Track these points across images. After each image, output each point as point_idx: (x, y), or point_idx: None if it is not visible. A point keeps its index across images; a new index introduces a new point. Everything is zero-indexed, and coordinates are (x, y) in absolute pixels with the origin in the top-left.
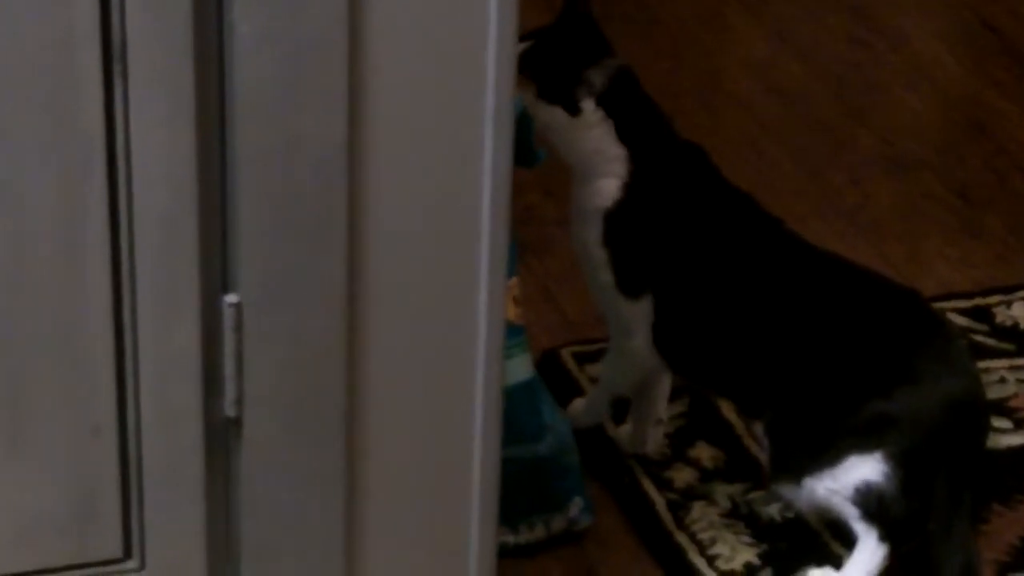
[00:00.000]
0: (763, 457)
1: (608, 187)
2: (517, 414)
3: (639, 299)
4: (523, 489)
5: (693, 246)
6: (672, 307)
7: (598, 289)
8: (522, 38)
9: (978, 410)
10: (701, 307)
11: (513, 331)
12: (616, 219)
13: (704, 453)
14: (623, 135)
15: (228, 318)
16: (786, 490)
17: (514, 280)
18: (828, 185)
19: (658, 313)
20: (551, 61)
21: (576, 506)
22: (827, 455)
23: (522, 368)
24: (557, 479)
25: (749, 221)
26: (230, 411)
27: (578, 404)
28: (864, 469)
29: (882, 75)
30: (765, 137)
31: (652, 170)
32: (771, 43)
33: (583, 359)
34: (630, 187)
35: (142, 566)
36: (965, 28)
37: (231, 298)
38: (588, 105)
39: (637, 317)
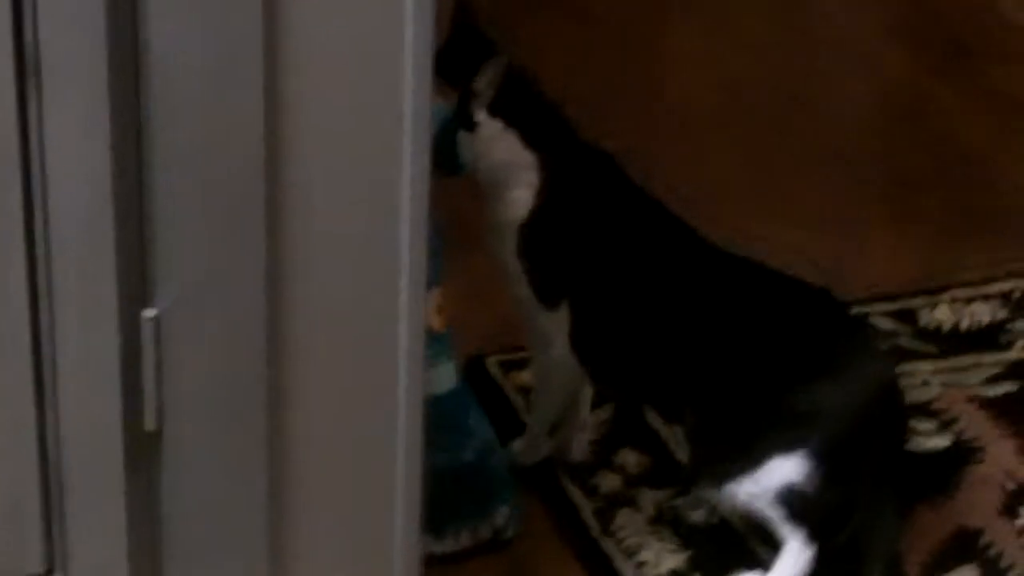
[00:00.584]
0: (684, 462)
1: (521, 197)
2: (443, 422)
3: (556, 308)
4: (449, 497)
5: (607, 253)
6: (589, 314)
7: (516, 301)
8: None
9: (896, 401)
10: (617, 313)
11: (438, 340)
12: (531, 230)
13: (629, 459)
14: (530, 141)
15: (147, 331)
16: (709, 494)
17: (438, 290)
18: (768, 175)
19: (575, 321)
20: (441, 79)
21: (502, 514)
22: (748, 458)
23: (448, 377)
24: (483, 487)
25: (661, 226)
26: (150, 423)
27: (519, 443)
28: (786, 470)
29: (821, 65)
30: (705, 129)
31: (564, 176)
32: (709, 35)
33: (509, 367)
34: (544, 195)
35: None
36: (903, 17)
37: (149, 312)
38: (481, 116)
39: (555, 327)
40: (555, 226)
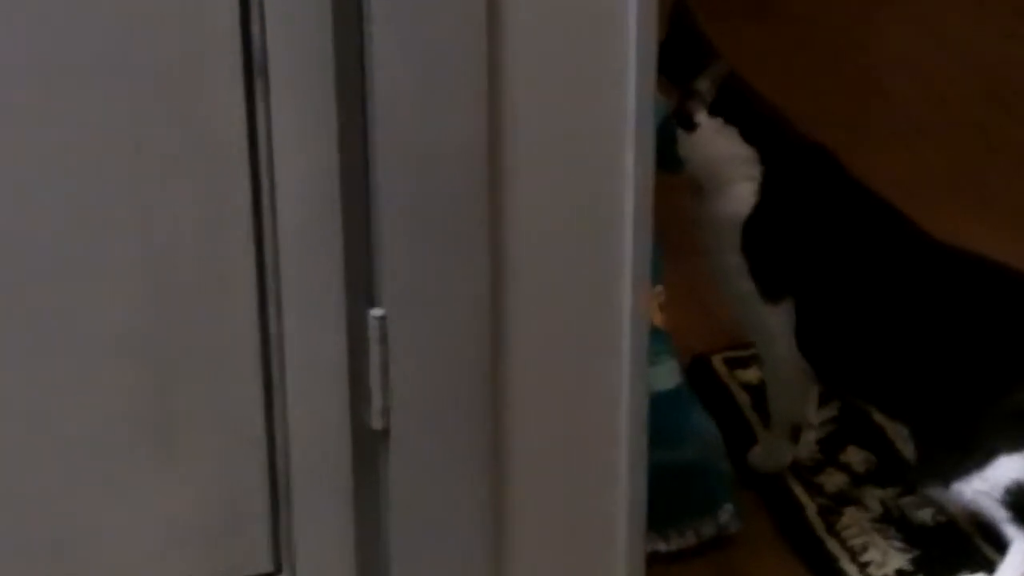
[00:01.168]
0: (910, 460)
1: (743, 192)
2: (664, 420)
3: (780, 304)
4: (672, 495)
5: (830, 246)
6: (812, 309)
7: (738, 299)
8: None
9: None
10: (841, 309)
11: (659, 337)
12: (754, 224)
13: (855, 457)
14: (748, 136)
15: (374, 331)
16: (935, 493)
17: (660, 287)
18: (982, 184)
19: (800, 318)
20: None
21: (726, 512)
22: (975, 456)
23: (669, 375)
24: (706, 485)
25: (883, 221)
26: (377, 423)
27: (757, 451)
28: (1014, 468)
29: None
30: (917, 136)
31: (784, 170)
32: (921, 39)
33: (734, 364)
34: (764, 189)
35: None
36: None
37: (376, 311)
38: (702, 117)
39: (778, 322)
40: (778, 219)
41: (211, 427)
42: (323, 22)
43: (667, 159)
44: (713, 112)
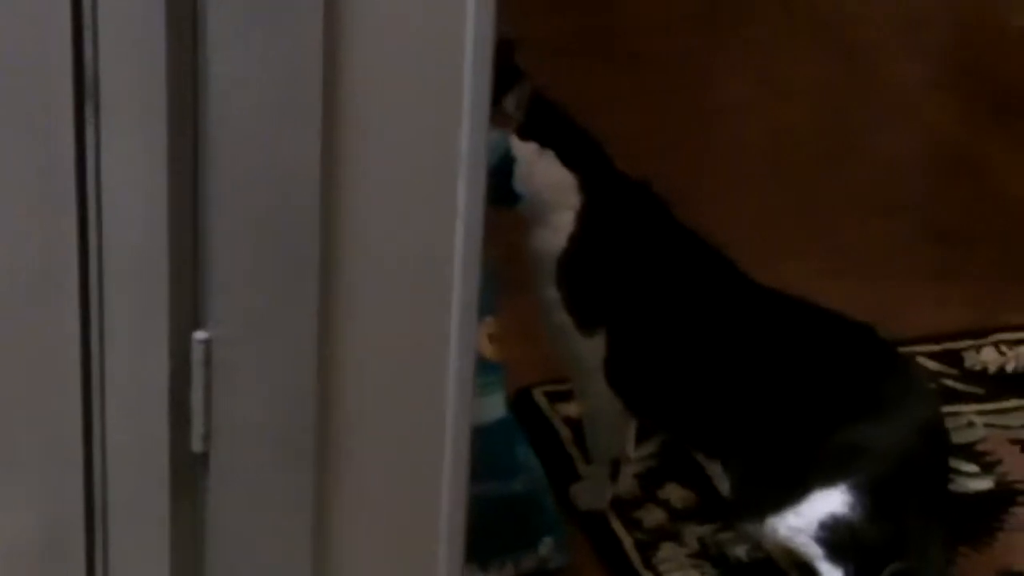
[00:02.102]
0: (726, 496)
1: (561, 222)
2: (492, 451)
3: (593, 337)
4: (496, 527)
5: (647, 280)
6: (626, 343)
7: (555, 332)
8: None
9: (942, 436)
10: (655, 344)
11: (490, 368)
12: (571, 254)
13: (674, 493)
14: (568, 161)
15: (198, 353)
16: (750, 529)
17: (491, 319)
18: (808, 226)
19: (612, 349)
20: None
21: (547, 545)
22: (791, 491)
23: (498, 406)
24: (530, 518)
25: (702, 258)
26: (197, 446)
27: (581, 486)
28: (829, 502)
29: (864, 116)
30: (745, 178)
31: (604, 201)
32: (753, 84)
33: (555, 398)
34: (583, 219)
35: None
36: (947, 70)
37: (201, 334)
38: (514, 140)
39: (593, 356)
40: (595, 251)
41: (27, 450)
42: (157, 46)
43: (505, 194)
44: (524, 135)
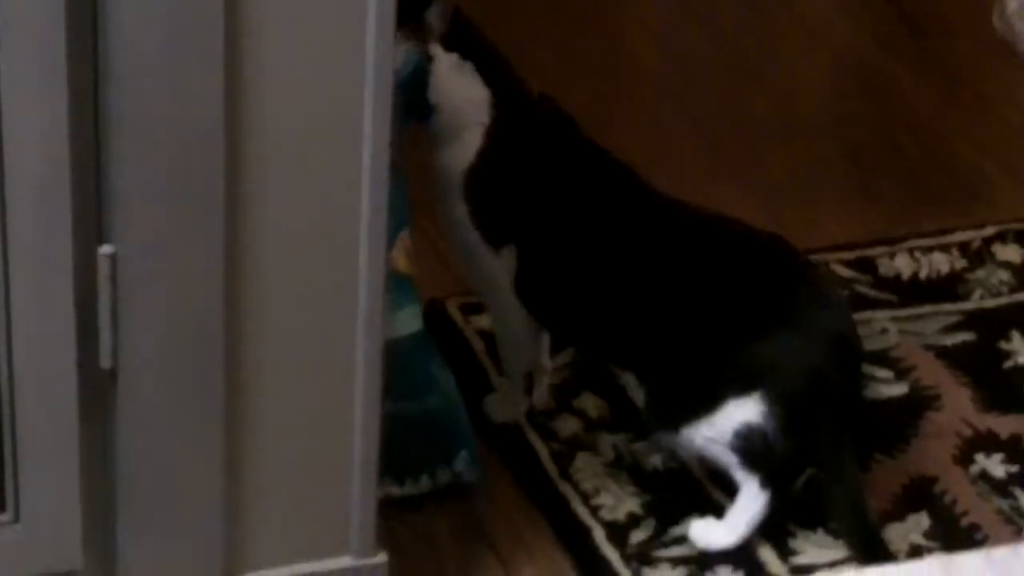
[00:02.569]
0: (640, 407)
1: (470, 138)
2: (407, 366)
3: (501, 251)
4: (410, 442)
5: (555, 196)
6: (534, 259)
7: (463, 248)
8: None
9: (853, 345)
10: (564, 259)
11: (403, 284)
12: (477, 171)
13: (589, 403)
14: (484, 75)
15: (103, 268)
16: (665, 439)
17: (404, 232)
18: (723, 149)
19: (520, 265)
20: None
21: (462, 460)
22: (704, 402)
23: (412, 319)
24: (445, 432)
25: (610, 173)
26: (106, 362)
27: (494, 398)
28: (743, 411)
29: (776, 40)
30: (661, 101)
31: (513, 119)
32: (669, 8)
33: (469, 310)
34: (491, 135)
35: (16, 519)
36: None
37: (106, 249)
38: (437, 51)
39: (502, 271)
40: (503, 167)
41: None
42: None
43: (418, 107)
44: (448, 47)
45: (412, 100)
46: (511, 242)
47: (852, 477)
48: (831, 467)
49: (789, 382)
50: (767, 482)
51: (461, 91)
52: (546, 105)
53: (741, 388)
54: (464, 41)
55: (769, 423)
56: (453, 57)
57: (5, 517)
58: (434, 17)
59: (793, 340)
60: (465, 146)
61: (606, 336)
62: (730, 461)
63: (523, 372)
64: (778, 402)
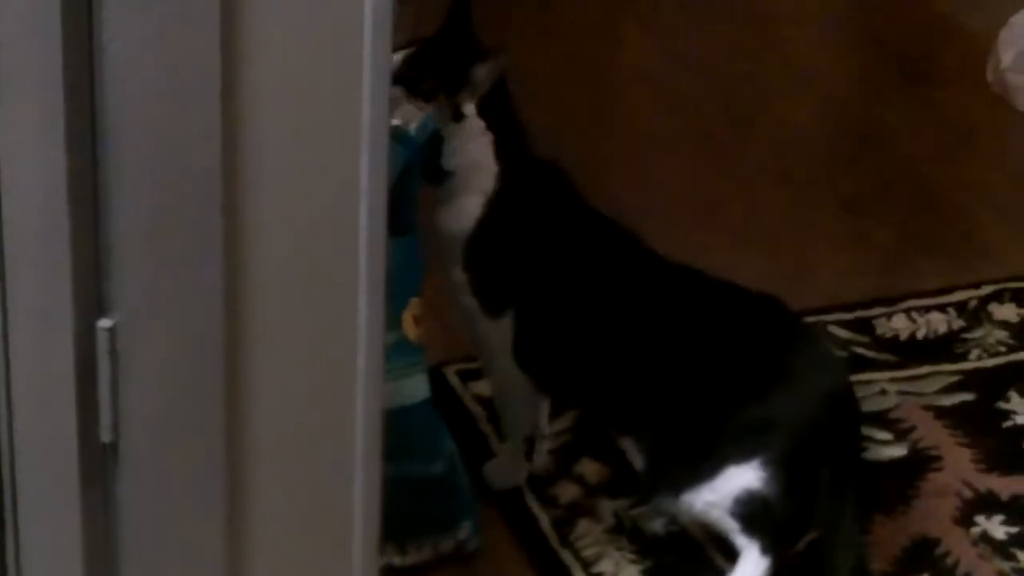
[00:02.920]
0: (640, 473)
1: (470, 205)
2: (415, 434)
3: (501, 319)
4: (414, 509)
5: (553, 262)
6: (534, 325)
7: (464, 313)
8: (408, 44)
9: (851, 406)
10: (562, 324)
11: (413, 351)
12: (476, 239)
13: (589, 469)
14: (500, 150)
15: (103, 342)
16: (666, 504)
17: (416, 300)
18: (716, 197)
19: (519, 331)
20: (436, 63)
21: (465, 528)
22: (704, 467)
23: (421, 387)
24: (448, 500)
25: (609, 238)
26: (106, 436)
27: (495, 465)
28: (743, 477)
29: (771, 87)
30: (654, 149)
31: (514, 188)
32: (662, 56)
33: (468, 377)
34: (493, 205)
35: None
36: (852, 41)
37: (105, 322)
38: (470, 109)
39: (501, 338)
40: (502, 235)
41: None
42: (52, 23)
43: (433, 171)
44: (481, 111)
45: (428, 163)
46: (510, 308)
47: (854, 540)
48: (832, 530)
49: (789, 448)
50: (768, 548)
51: (474, 158)
52: (551, 171)
53: (741, 454)
54: (497, 110)
55: (770, 489)
56: (481, 124)
57: None
58: (482, 75)
59: (791, 405)
60: (466, 213)
61: (606, 400)
62: (730, 527)
63: (523, 437)
64: (778, 468)
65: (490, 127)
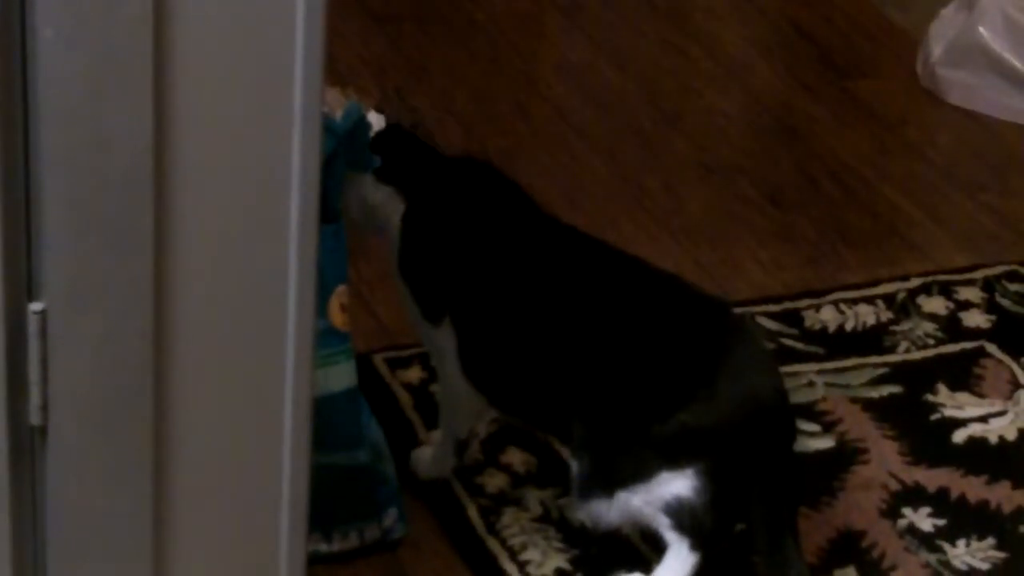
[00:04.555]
0: (572, 475)
1: (391, 229)
2: (339, 421)
3: (440, 325)
4: (340, 497)
5: (480, 265)
6: (471, 330)
7: (413, 319)
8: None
9: (783, 413)
10: (496, 328)
11: (340, 338)
12: (404, 250)
13: (516, 458)
14: (399, 188)
15: (33, 325)
16: (597, 505)
17: (343, 287)
18: (642, 190)
19: (460, 339)
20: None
21: (391, 516)
22: (638, 470)
23: (346, 375)
24: (374, 488)
25: (535, 229)
26: (35, 419)
27: (424, 453)
28: (676, 485)
29: (696, 81)
30: (579, 142)
31: (424, 202)
32: (587, 48)
33: (396, 364)
34: (407, 221)
35: None
36: (778, 34)
37: (36, 305)
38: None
39: (444, 343)
40: (424, 247)
41: None
42: None
43: (358, 160)
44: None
45: (351, 151)
46: (447, 315)
47: (786, 540)
48: (764, 531)
49: (719, 457)
50: (697, 545)
51: (370, 201)
52: (469, 173)
53: (672, 462)
54: (397, 165)
55: (701, 498)
56: (385, 189)
57: None
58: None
59: (723, 409)
60: (391, 236)
61: (542, 407)
62: (661, 522)
63: (461, 438)
64: (711, 478)
65: (391, 183)
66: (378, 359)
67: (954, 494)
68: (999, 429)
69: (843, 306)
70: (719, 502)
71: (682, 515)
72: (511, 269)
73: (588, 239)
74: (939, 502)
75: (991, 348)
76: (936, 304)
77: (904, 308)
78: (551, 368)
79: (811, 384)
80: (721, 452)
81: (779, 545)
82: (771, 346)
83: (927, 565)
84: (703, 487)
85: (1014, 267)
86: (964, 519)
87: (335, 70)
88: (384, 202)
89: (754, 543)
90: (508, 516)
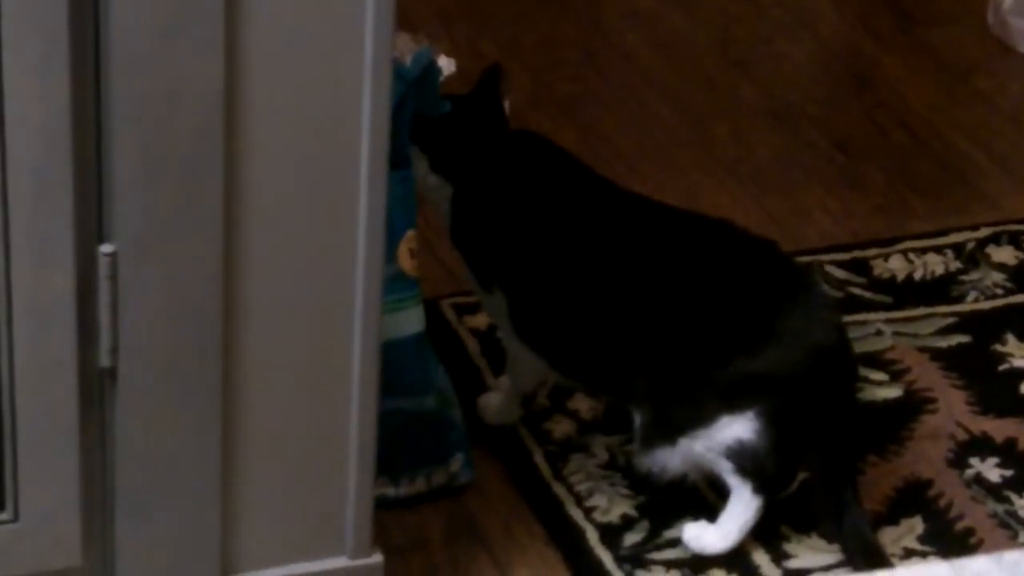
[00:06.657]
0: (635, 426)
1: (442, 205)
2: (407, 367)
3: (493, 293)
4: (407, 442)
5: (531, 235)
6: (523, 297)
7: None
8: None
9: (842, 355)
10: (553, 290)
11: (408, 283)
12: (456, 228)
13: (582, 404)
14: (435, 167)
15: (103, 267)
16: (661, 454)
17: (412, 233)
18: (710, 137)
19: (511, 304)
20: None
21: (458, 461)
22: (699, 416)
23: (415, 320)
24: (441, 433)
25: (586, 191)
26: (105, 361)
27: (491, 400)
28: (736, 428)
29: (765, 28)
30: (647, 89)
31: (474, 181)
32: None
33: (463, 310)
34: (456, 203)
35: (15, 517)
36: None
37: (106, 247)
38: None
39: (497, 309)
40: (473, 221)
41: None
42: None
43: (429, 107)
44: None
45: (421, 97)
46: (498, 283)
47: (847, 485)
48: (826, 476)
49: (780, 401)
50: (760, 489)
51: (426, 186)
52: (522, 148)
53: (734, 406)
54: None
55: (762, 441)
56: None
57: (5, 515)
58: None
59: (785, 355)
60: (441, 210)
61: (600, 364)
62: (723, 467)
63: (528, 392)
64: (771, 421)
65: (435, 169)
66: (445, 305)
67: (1022, 445)
68: None
69: (912, 255)
70: (780, 445)
71: (744, 458)
72: (562, 232)
73: (641, 198)
74: (1006, 452)
75: None
76: (1005, 254)
77: (973, 258)
78: (606, 324)
79: (879, 333)
80: (780, 394)
81: (836, 490)
82: (838, 294)
83: (994, 515)
84: (763, 430)
85: None
86: None
87: (405, 16)
88: (437, 187)
89: (816, 486)
90: (575, 463)
